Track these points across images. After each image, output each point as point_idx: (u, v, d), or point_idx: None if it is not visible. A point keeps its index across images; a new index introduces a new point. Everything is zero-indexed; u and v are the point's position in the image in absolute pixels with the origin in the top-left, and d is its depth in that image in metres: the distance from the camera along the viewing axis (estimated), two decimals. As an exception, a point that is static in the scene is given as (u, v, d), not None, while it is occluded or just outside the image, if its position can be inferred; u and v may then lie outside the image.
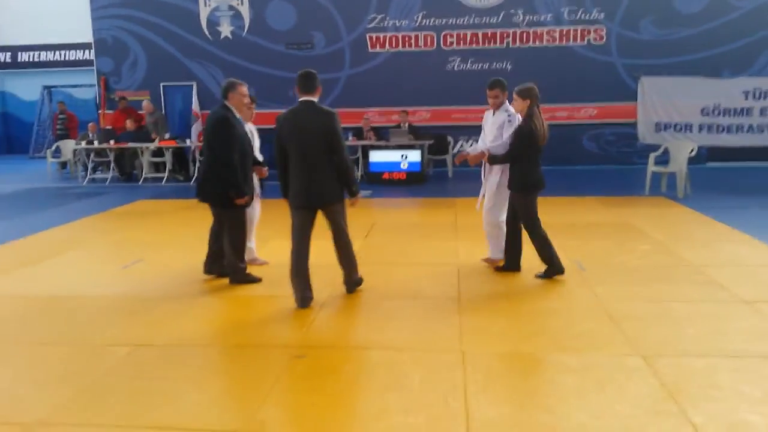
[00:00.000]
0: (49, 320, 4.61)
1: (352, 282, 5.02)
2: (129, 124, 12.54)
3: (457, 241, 6.64)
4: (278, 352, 3.88)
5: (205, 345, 4.08)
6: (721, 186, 10.04)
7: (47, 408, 3.24)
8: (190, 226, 7.82)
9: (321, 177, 4.59)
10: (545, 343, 3.93)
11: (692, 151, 9.35)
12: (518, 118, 5.27)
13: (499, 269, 5.50)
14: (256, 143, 5.75)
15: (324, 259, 5.06)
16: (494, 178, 5.50)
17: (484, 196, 5.69)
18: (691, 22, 12.43)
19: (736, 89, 12.39)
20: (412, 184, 10.87)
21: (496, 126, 5.39)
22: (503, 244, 5.52)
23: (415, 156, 11.04)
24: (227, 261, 5.32)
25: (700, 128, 12.70)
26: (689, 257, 5.76)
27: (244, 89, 5.25)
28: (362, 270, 5.16)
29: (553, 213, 8.03)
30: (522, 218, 5.29)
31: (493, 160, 5.33)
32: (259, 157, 5.70)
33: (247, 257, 5.56)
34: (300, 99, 4.64)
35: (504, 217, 5.50)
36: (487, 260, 5.70)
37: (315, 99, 4.64)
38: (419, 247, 6.39)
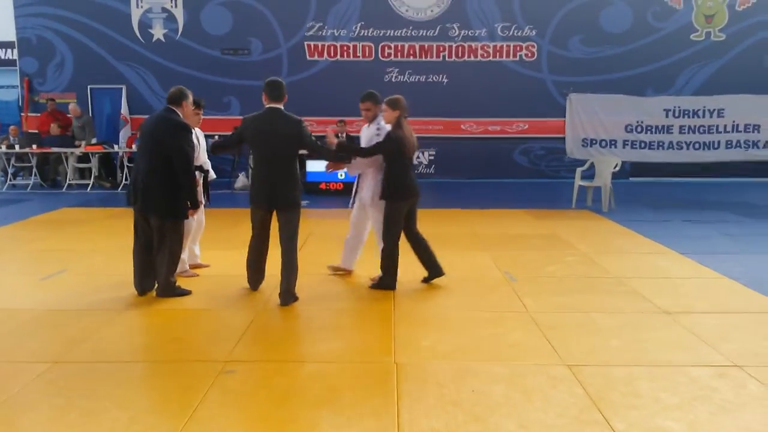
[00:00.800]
0: (-41, 335, 4.33)
1: (289, 294, 4.97)
2: (53, 129, 11.99)
3: (391, 252, 6.66)
4: (207, 368, 3.77)
5: (129, 361, 3.93)
6: (643, 200, 10.52)
7: (-46, 430, 3.04)
8: (117, 235, 7.54)
9: (281, 182, 4.83)
10: (476, 353, 3.99)
11: (616, 166, 9.77)
12: (386, 131, 5.32)
13: (426, 280, 5.49)
14: (203, 149, 5.74)
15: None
16: (367, 193, 5.43)
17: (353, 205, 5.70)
18: (616, 41, 13.02)
19: (657, 107, 13.05)
20: (349, 194, 10.83)
21: (367, 139, 5.41)
22: (357, 255, 5.63)
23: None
24: (161, 273, 5.08)
25: (624, 144, 13.29)
26: (613, 269, 5.99)
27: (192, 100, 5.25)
28: (298, 280, 5.13)
29: (486, 224, 8.24)
30: (384, 224, 5.27)
31: (350, 155, 5.36)
32: (207, 165, 5.71)
33: (189, 263, 5.66)
34: (267, 105, 4.87)
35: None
36: (335, 268, 5.72)
37: (281, 106, 4.88)
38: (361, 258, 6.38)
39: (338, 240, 5.98)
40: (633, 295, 5.18)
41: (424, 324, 4.53)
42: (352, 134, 12.26)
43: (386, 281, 5.34)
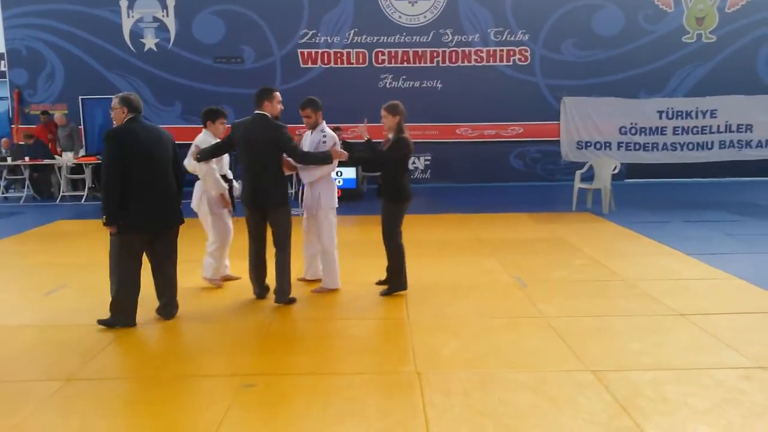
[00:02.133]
0: (-35, 354, 4.21)
1: (282, 291, 5.10)
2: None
3: (398, 259, 6.61)
4: (225, 382, 3.70)
5: (144, 377, 3.84)
6: (641, 201, 10.53)
7: (-30, 454, 2.94)
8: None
9: (266, 182, 5.03)
10: (497, 361, 3.94)
11: (615, 168, 9.78)
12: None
13: (384, 292, 5.37)
14: (225, 161, 5.79)
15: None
16: (312, 202, 5.42)
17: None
18: (609, 45, 13.07)
19: (651, 109, 13.11)
20: (348, 201, 10.76)
21: (313, 146, 5.37)
22: (335, 268, 5.49)
23: (350, 173, 10.99)
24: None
25: (619, 146, 13.33)
26: (622, 271, 5.97)
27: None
28: (304, 288, 5.09)
29: (488, 229, 8.20)
30: (387, 225, 5.31)
31: (371, 158, 5.43)
32: (230, 175, 5.81)
33: (221, 275, 5.74)
34: (255, 111, 5.06)
35: (327, 237, 5.44)
36: (319, 290, 5.49)
37: (265, 112, 5.04)
38: (360, 266, 6.31)
39: (340, 248, 5.92)
40: (646, 298, 5.15)
41: (440, 331, 4.47)
42: (348, 140, 12.21)
43: (397, 282, 5.34)
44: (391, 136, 5.29)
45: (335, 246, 5.51)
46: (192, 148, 5.38)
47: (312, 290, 5.52)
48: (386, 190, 5.31)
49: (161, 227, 4.65)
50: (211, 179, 5.37)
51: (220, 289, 5.64)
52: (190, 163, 5.44)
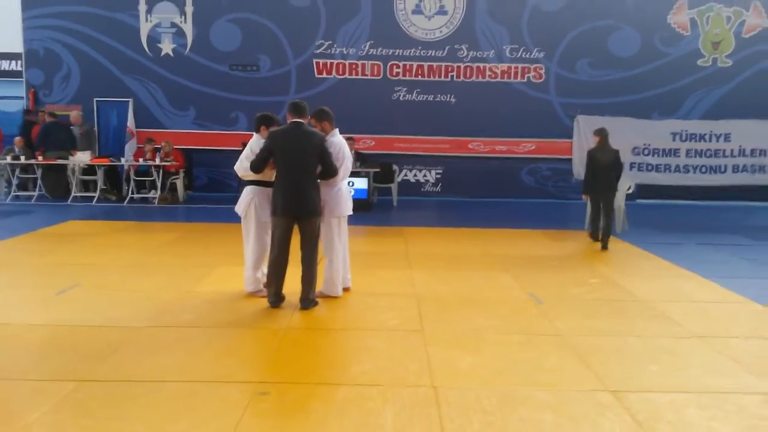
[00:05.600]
0: (-23, 351, 4.18)
1: (308, 300, 5.17)
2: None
3: (411, 270, 6.57)
4: (239, 389, 3.65)
5: (156, 380, 3.78)
6: (653, 222, 10.47)
7: (-17, 453, 2.90)
8: (128, 249, 7.44)
9: (305, 190, 5.05)
10: (515, 378, 3.88)
11: (629, 188, 9.73)
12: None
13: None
14: None
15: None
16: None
17: None
18: (624, 65, 13.06)
19: (665, 131, 13.07)
20: (359, 211, 10.71)
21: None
22: (335, 276, 5.49)
23: (362, 183, 10.97)
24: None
25: (631, 166, 13.26)
26: (638, 292, 5.91)
27: None
28: (321, 299, 5.04)
29: (500, 245, 8.15)
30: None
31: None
32: None
33: (254, 288, 5.56)
34: (291, 120, 5.13)
35: (329, 246, 5.44)
36: (318, 295, 5.40)
37: (304, 121, 5.11)
38: (374, 277, 6.28)
39: (353, 258, 5.92)
40: (664, 319, 5.09)
41: (456, 346, 4.41)
42: (360, 151, 12.22)
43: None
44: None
45: (338, 254, 5.48)
46: (247, 151, 5.35)
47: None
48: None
49: None
50: None
51: (245, 297, 5.51)
52: (242, 167, 5.39)
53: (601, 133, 8.17)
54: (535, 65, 13.18)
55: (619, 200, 9.54)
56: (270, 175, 5.22)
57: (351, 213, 5.59)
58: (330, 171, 5.16)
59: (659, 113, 13.14)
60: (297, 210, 5.07)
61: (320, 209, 5.18)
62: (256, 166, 5.14)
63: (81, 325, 4.71)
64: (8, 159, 11.58)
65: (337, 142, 5.37)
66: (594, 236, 8.17)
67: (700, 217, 11.37)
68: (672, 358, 4.24)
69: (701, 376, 3.94)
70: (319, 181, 5.29)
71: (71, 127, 12.34)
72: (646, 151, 13.25)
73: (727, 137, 13.06)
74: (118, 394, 3.55)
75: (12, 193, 11.66)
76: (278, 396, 3.58)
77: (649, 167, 13.25)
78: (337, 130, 5.47)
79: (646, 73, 13.09)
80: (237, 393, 3.59)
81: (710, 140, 13.11)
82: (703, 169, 13.18)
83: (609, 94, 13.12)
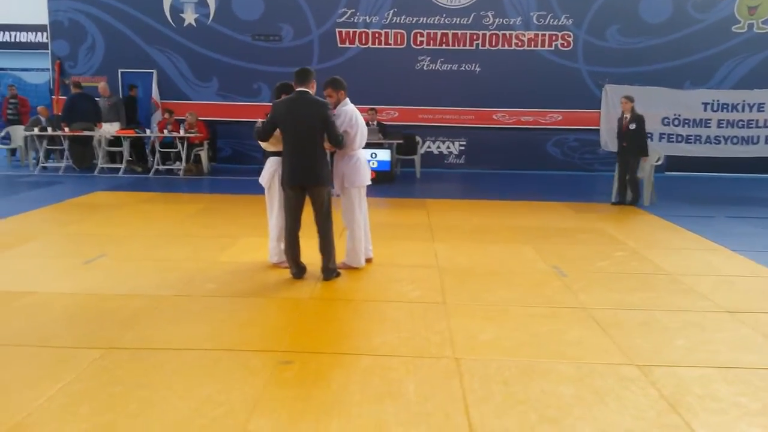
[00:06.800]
0: (5, 317, 4.27)
1: (329, 270, 5.19)
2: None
3: (434, 242, 6.54)
4: (262, 357, 3.68)
5: (180, 348, 3.83)
6: (682, 195, 10.26)
7: (13, 416, 2.96)
8: (153, 220, 7.52)
9: (311, 159, 5.00)
10: (538, 350, 3.85)
11: (658, 159, 9.52)
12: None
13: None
14: None
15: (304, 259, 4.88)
16: (337, 181, 5.42)
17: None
18: (655, 32, 12.69)
19: (695, 101, 12.67)
20: (382, 183, 10.71)
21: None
22: (357, 247, 5.47)
23: (384, 155, 10.90)
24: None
25: (661, 137, 12.92)
26: (665, 265, 5.80)
27: None
28: (344, 270, 5.04)
29: (524, 217, 8.06)
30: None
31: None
32: None
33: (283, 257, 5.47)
34: (296, 89, 5.01)
35: (350, 216, 5.42)
36: (341, 266, 5.44)
37: (309, 90, 5.01)
38: (396, 248, 6.26)
39: (375, 230, 5.94)
40: (691, 293, 5.00)
41: (478, 317, 4.39)
42: (383, 122, 12.12)
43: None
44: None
45: (360, 225, 5.47)
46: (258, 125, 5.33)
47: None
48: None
49: None
50: None
51: (269, 267, 5.54)
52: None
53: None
54: (563, 32, 12.87)
55: (647, 172, 9.36)
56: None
57: (370, 183, 5.56)
58: (334, 141, 5.06)
59: (692, 82, 12.77)
60: (303, 179, 5.05)
61: (328, 179, 5.15)
62: (261, 136, 5.13)
63: (107, 293, 4.78)
64: (36, 131, 11.72)
65: (349, 110, 5.29)
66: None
67: (731, 189, 11.10)
68: (699, 333, 4.17)
69: (729, 351, 3.87)
70: (337, 151, 5.26)
71: (98, 99, 12.42)
72: (676, 122, 12.85)
73: (761, 107, 12.60)
74: (144, 362, 3.61)
75: (40, 164, 11.83)
76: (301, 365, 3.60)
77: (679, 138, 12.87)
78: (348, 99, 5.37)
79: (678, 41, 12.70)
80: (260, 361, 3.62)
81: (743, 110, 12.66)
82: (735, 140, 12.78)
83: (639, 62, 12.78)
